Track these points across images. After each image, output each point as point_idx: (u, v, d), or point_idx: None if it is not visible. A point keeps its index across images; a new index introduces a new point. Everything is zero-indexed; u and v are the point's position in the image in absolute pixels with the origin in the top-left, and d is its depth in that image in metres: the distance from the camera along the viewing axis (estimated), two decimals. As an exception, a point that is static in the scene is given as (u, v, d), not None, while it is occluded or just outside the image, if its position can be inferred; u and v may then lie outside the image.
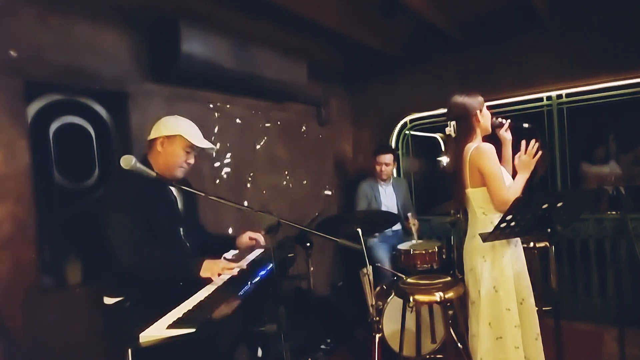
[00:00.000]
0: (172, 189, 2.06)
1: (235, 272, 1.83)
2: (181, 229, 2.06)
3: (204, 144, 2.04)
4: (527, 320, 2.08)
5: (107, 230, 1.83)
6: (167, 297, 1.70)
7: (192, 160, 2.03)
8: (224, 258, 2.24)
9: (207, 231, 2.37)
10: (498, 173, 2.05)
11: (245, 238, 2.29)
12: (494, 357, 2.07)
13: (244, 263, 2.13)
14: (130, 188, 1.85)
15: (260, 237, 2.29)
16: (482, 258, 2.11)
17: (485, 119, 2.18)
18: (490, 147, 2.08)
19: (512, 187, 2.06)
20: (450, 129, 2.24)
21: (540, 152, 2.09)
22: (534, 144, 2.09)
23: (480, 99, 2.20)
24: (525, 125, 2.26)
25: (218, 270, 1.81)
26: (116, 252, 1.79)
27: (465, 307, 2.31)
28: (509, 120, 2.28)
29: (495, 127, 2.25)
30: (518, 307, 2.06)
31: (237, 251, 2.35)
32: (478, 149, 2.08)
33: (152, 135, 2.01)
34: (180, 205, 2.09)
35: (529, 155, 2.09)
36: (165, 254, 1.89)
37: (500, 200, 2.02)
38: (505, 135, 2.28)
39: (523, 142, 2.12)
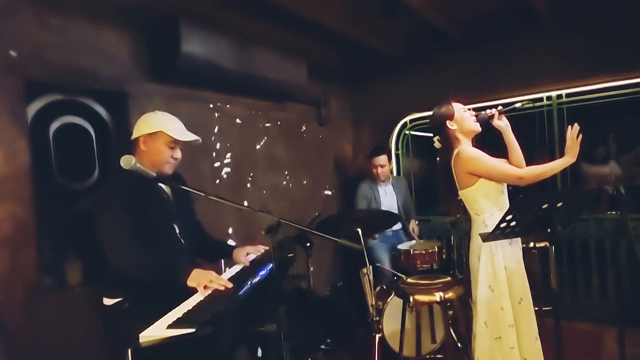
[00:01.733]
0: (163, 186, 2.02)
1: (222, 288, 1.75)
2: (176, 226, 2.03)
3: (187, 136, 1.99)
4: (526, 320, 2.08)
5: (97, 231, 1.81)
6: (167, 297, 1.69)
7: (178, 155, 1.99)
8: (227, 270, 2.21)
9: (205, 230, 2.35)
10: (491, 165, 2.09)
11: (243, 254, 2.24)
12: (491, 357, 2.08)
13: (231, 278, 1.99)
14: (120, 188, 1.84)
15: (259, 251, 2.27)
16: (477, 258, 2.14)
17: (460, 123, 2.18)
18: (471, 151, 2.14)
19: (549, 165, 2.06)
20: (436, 143, 2.29)
21: (580, 135, 2.03)
22: (573, 128, 2.05)
23: (452, 106, 2.21)
24: (518, 104, 2.24)
25: (205, 282, 1.75)
26: (105, 254, 1.78)
27: (466, 307, 2.31)
28: (498, 108, 2.24)
29: (485, 121, 2.23)
30: (516, 307, 2.06)
31: (240, 267, 2.27)
32: (458, 155, 2.15)
33: (134, 135, 1.98)
34: (173, 201, 2.06)
35: (571, 140, 2.04)
36: (154, 257, 1.85)
37: (515, 180, 2.06)
38: (500, 123, 2.24)
39: (568, 128, 2.07)
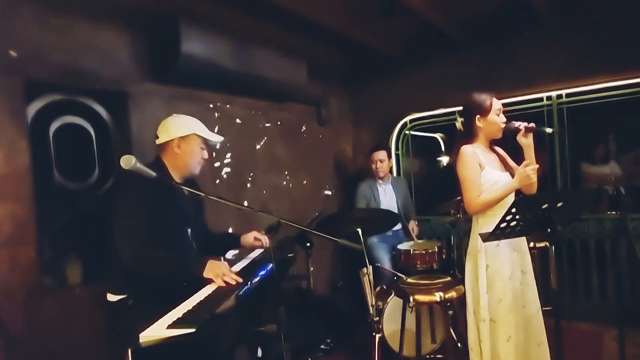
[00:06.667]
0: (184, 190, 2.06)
1: (234, 283, 1.80)
2: (189, 230, 2.06)
3: (216, 138, 2.11)
4: (502, 320, 2.07)
5: (112, 229, 1.82)
6: (170, 296, 1.69)
7: (206, 155, 2.10)
8: (224, 259, 2.25)
9: (210, 231, 2.37)
10: (469, 177, 2.10)
11: (251, 238, 2.30)
12: (477, 344, 2.14)
13: (241, 270, 2.08)
14: (139, 188, 1.84)
15: (265, 239, 2.31)
16: (468, 253, 2.21)
17: (489, 124, 2.14)
18: (467, 152, 2.12)
19: (491, 189, 2.07)
20: (458, 124, 2.24)
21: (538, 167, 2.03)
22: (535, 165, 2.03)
23: (489, 104, 2.13)
24: (549, 130, 2.18)
25: (220, 274, 1.81)
26: (119, 252, 1.79)
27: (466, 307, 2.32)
28: (529, 124, 2.09)
29: (510, 132, 2.14)
30: (496, 305, 2.08)
31: (237, 251, 2.35)
32: (459, 151, 2.15)
33: (164, 138, 2.00)
34: (190, 206, 2.09)
35: (529, 167, 2.01)
36: (169, 254, 1.88)
37: (467, 203, 2.12)
38: (523, 141, 2.10)
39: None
